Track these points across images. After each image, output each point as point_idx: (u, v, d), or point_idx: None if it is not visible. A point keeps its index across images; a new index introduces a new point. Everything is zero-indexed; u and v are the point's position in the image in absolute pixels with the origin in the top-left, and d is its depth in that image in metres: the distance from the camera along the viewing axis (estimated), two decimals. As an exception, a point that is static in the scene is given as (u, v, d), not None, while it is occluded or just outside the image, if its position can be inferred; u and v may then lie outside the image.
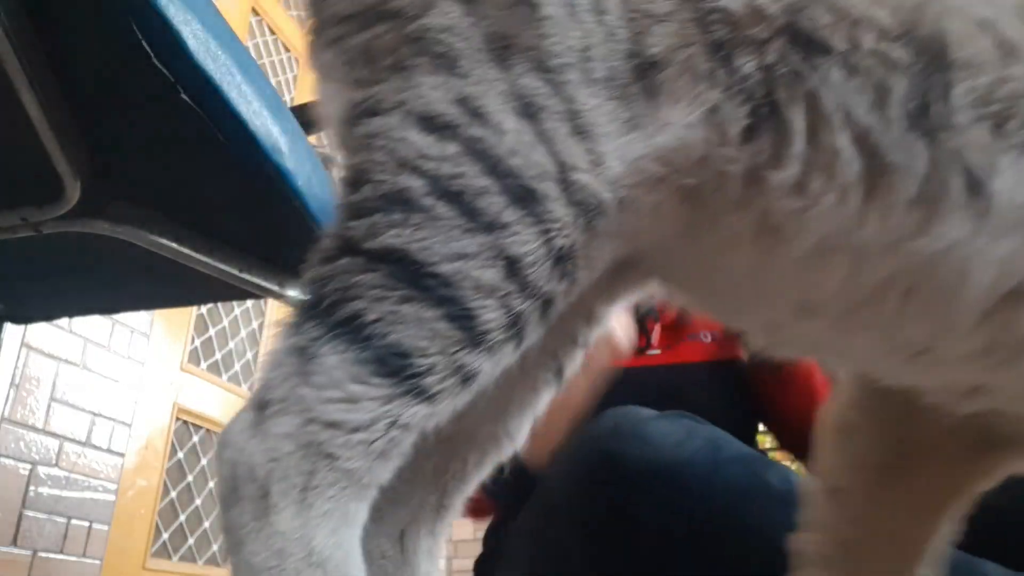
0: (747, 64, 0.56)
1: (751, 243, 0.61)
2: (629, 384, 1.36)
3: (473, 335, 0.53)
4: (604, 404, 1.20)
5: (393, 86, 0.57)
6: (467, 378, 0.54)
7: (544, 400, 0.76)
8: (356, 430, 0.51)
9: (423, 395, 0.52)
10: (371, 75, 0.59)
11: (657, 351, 1.46)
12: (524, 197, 0.54)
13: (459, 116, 0.55)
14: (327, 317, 0.52)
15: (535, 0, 0.57)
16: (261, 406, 0.53)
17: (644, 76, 0.57)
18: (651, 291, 0.79)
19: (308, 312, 0.53)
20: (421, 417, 0.53)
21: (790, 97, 0.56)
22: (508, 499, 1.29)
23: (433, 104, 0.56)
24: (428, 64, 0.57)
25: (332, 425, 0.51)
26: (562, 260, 0.55)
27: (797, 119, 0.56)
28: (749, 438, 1.46)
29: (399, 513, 0.72)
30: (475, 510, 1.36)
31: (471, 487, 0.75)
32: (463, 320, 0.52)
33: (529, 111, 0.55)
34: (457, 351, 0.52)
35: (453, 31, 0.57)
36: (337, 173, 1.23)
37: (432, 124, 0.55)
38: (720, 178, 0.58)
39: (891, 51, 0.55)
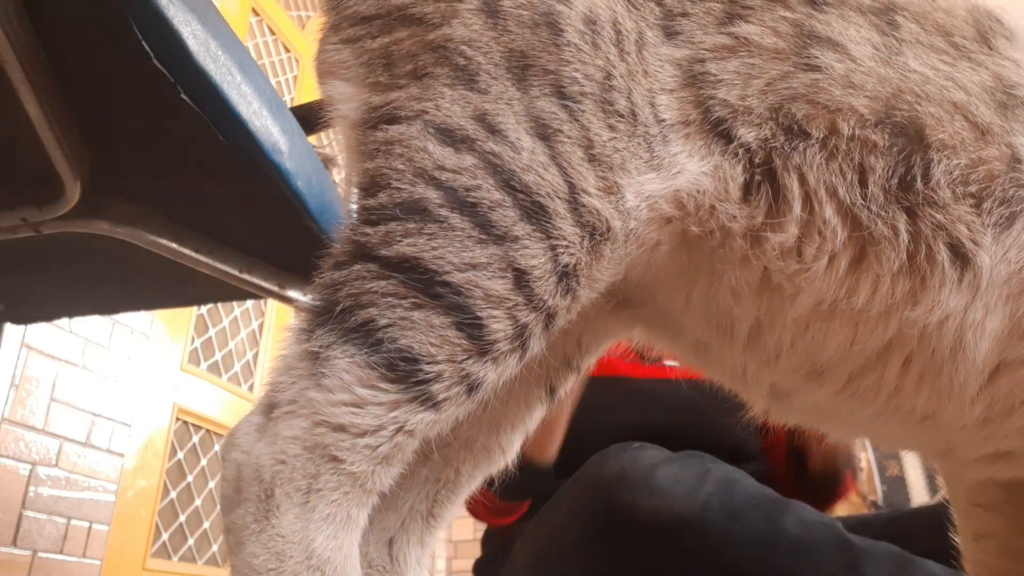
0: (748, 135, 0.60)
1: (753, 296, 0.63)
2: (651, 398, 1.33)
3: (481, 344, 0.53)
4: (621, 412, 1.17)
5: (412, 94, 0.58)
6: (472, 387, 0.54)
7: (536, 418, 0.78)
8: (363, 434, 0.51)
9: (429, 402, 0.53)
10: (390, 80, 0.60)
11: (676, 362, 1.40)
12: (535, 213, 0.55)
13: (477, 131, 0.56)
14: (340, 323, 0.53)
15: (559, 24, 0.58)
16: (269, 408, 0.53)
17: (661, 124, 0.60)
18: (638, 337, 0.81)
19: (320, 318, 0.54)
20: (426, 424, 0.53)
21: (785, 168, 0.60)
22: (518, 496, 1.26)
23: (452, 117, 0.56)
24: (448, 75, 0.57)
25: (340, 428, 0.51)
26: (567, 276, 0.56)
27: (793, 188, 0.60)
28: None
29: (388, 518, 0.72)
30: (488, 511, 1.32)
31: (461, 498, 0.76)
32: (472, 328, 0.53)
33: (544, 133, 0.56)
34: (464, 359, 0.53)
35: (474, 44, 0.58)
36: (337, 173, 1.23)
37: (451, 137, 0.56)
38: (723, 234, 0.61)
39: (870, 135, 0.59)
